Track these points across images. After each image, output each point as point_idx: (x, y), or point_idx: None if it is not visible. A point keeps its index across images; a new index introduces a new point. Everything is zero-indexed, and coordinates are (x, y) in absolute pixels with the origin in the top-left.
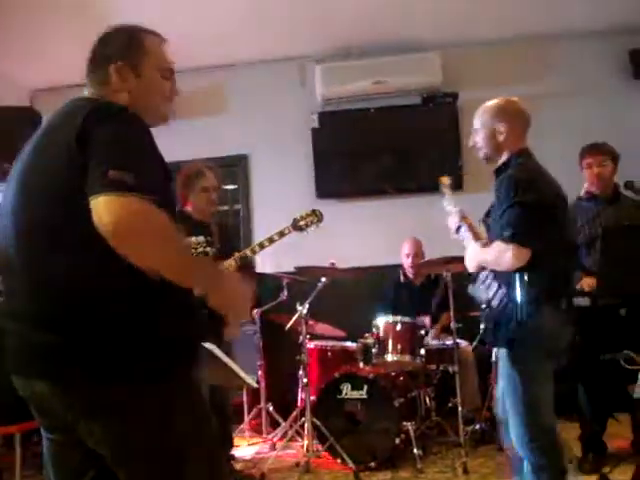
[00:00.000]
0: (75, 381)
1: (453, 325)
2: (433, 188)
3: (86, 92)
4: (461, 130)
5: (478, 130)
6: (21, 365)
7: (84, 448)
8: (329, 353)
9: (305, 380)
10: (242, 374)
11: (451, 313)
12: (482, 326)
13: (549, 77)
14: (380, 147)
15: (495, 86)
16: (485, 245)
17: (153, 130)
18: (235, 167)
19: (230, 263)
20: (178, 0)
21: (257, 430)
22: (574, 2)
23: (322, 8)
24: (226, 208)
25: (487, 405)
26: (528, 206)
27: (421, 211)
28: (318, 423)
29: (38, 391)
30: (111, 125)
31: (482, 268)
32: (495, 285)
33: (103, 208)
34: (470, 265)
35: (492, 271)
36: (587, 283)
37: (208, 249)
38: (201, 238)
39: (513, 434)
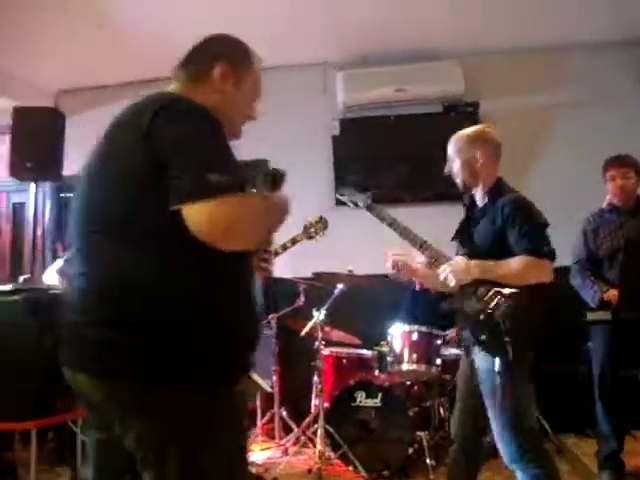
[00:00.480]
0: (118, 378)
1: None
2: (452, 197)
3: (171, 86)
4: None
5: (454, 158)
6: (70, 357)
7: (125, 449)
8: (344, 360)
9: (319, 386)
10: (257, 379)
11: None
12: (483, 337)
13: (568, 87)
14: (400, 155)
15: (515, 95)
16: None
17: None
18: (254, 172)
19: None
20: (198, 2)
21: (270, 435)
22: (592, 13)
23: (344, 15)
24: None
25: None
26: (544, 226)
27: (440, 220)
28: (331, 430)
29: (82, 384)
30: (191, 122)
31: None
32: (497, 297)
33: (201, 214)
34: (463, 278)
35: (491, 283)
36: (612, 294)
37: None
38: None
39: (504, 450)
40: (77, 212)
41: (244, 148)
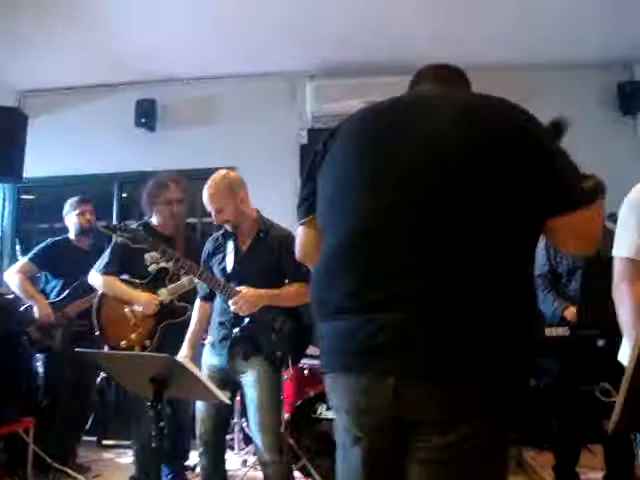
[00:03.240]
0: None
1: None
2: None
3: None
4: None
5: (226, 203)
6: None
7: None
8: (306, 371)
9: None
10: (214, 389)
11: None
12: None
13: (535, 105)
14: None
15: None
16: None
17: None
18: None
19: (163, 292)
20: (171, 10)
21: (229, 446)
22: (565, 34)
23: (317, 25)
24: (209, 220)
25: None
26: None
27: None
28: (291, 441)
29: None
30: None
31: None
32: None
33: (589, 219)
34: (255, 307)
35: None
36: (571, 312)
37: (170, 264)
38: None
39: None
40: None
41: (210, 156)
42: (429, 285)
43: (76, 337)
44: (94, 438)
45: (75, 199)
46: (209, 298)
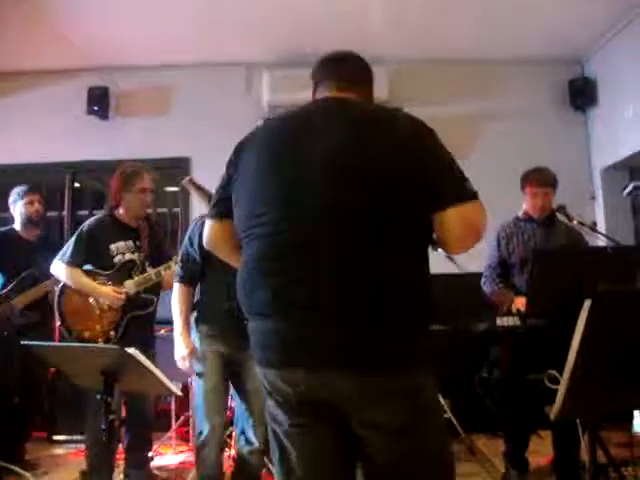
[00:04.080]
0: (374, 370)
1: None
2: None
3: (348, 95)
4: None
5: None
6: (315, 355)
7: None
8: None
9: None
10: (166, 381)
11: None
12: None
13: (489, 98)
14: None
15: (439, 103)
16: None
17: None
18: (176, 169)
19: (130, 284)
20: None
21: (184, 438)
22: (518, 30)
23: (274, 15)
24: (165, 210)
25: None
26: None
27: None
28: None
29: (327, 380)
30: (440, 142)
31: None
32: None
33: (470, 214)
34: None
35: None
36: (520, 303)
37: (136, 255)
38: (130, 243)
39: None
40: (327, 209)
41: (164, 146)
42: (322, 294)
43: (25, 330)
44: (44, 434)
45: (23, 188)
46: (193, 281)
